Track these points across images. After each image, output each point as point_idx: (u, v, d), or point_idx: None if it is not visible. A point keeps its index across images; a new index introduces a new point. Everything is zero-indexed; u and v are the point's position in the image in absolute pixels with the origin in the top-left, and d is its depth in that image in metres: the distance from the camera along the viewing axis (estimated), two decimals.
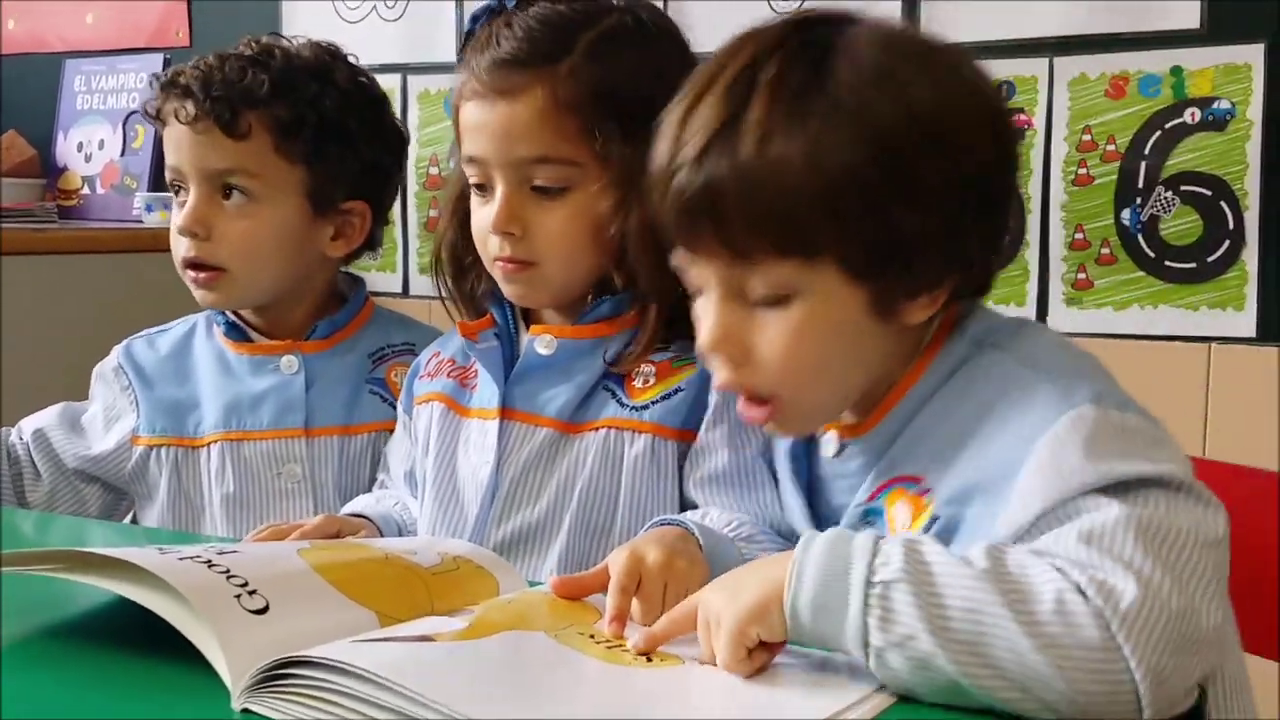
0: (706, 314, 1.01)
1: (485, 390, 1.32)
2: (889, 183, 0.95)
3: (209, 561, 0.93)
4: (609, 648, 0.91)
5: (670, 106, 1.02)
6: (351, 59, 1.58)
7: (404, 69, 2.75)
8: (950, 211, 0.97)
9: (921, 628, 0.81)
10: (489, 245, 1.27)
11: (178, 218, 1.50)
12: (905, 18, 2.24)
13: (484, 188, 1.27)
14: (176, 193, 1.52)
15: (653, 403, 1.26)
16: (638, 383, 1.26)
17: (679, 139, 0.98)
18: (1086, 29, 2.13)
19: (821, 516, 1.09)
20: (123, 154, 3.10)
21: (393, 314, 1.64)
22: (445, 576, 1.04)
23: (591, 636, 0.92)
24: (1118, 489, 0.87)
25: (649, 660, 0.90)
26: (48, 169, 3.19)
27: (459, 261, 1.36)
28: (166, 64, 3.04)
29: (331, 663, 0.79)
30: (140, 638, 0.90)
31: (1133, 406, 0.95)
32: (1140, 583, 0.80)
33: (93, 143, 3.16)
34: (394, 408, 1.49)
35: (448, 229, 1.36)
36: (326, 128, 1.50)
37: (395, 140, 1.60)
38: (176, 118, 1.48)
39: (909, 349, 1.04)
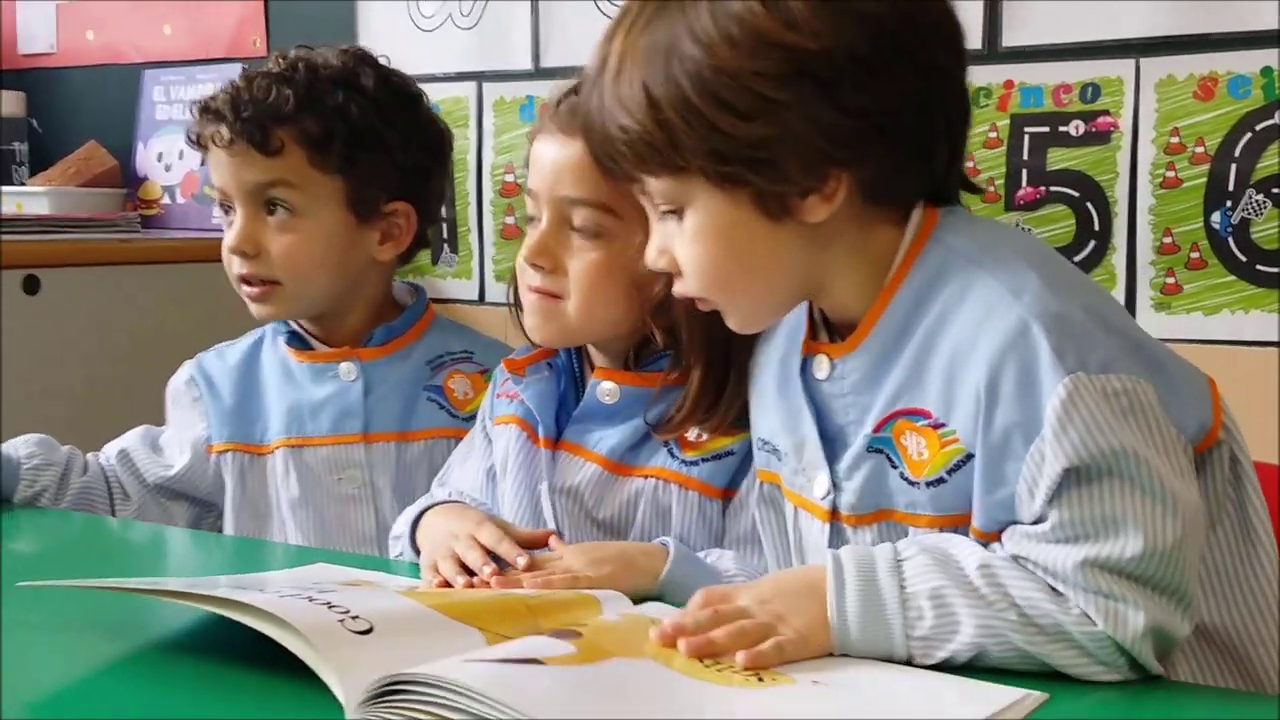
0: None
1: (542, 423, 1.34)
2: (703, 96, 0.98)
3: (309, 597, 0.95)
4: (719, 670, 0.90)
5: None
6: (382, 59, 1.60)
7: (479, 76, 2.76)
8: (779, 110, 0.98)
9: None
10: (525, 274, 1.30)
11: (229, 237, 1.54)
12: (987, 17, 2.22)
13: (534, 219, 1.30)
14: (226, 213, 1.56)
15: (704, 459, 1.27)
16: (691, 435, 1.27)
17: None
18: (1174, 29, 2.09)
19: (828, 436, 1.09)
20: (202, 163, 3.10)
21: (452, 322, 1.67)
22: (545, 599, 1.05)
23: (701, 660, 0.92)
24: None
25: (760, 680, 0.89)
26: (128, 179, 3.23)
27: None
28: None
29: (445, 684, 0.79)
30: (239, 660, 0.91)
31: (1117, 365, 0.96)
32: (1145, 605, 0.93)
33: (172, 153, 3.20)
34: (451, 415, 1.54)
35: None
36: (357, 135, 1.53)
37: (433, 137, 1.61)
38: (214, 142, 1.52)
39: (871, 260, 1.05)
